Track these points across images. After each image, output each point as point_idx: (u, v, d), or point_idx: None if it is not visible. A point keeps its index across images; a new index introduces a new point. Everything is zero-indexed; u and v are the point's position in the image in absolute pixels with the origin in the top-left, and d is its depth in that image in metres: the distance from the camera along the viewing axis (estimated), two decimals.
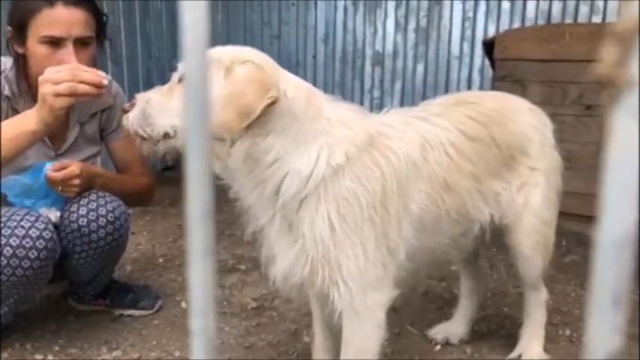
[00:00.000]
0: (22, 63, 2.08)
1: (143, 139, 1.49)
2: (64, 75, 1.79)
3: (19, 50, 2.04)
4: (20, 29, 1.98)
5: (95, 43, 2.09)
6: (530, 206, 1.87)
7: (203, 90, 0.38)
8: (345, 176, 1.48)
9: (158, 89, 1.50)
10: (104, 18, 2.13)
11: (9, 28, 2.03)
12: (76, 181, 2.05)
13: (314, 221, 1.48)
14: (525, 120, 1.87)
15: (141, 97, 1.49)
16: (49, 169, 2.04)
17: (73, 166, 2.05)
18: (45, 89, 1.78)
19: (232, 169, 1.47)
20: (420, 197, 1.61)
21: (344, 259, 1.49)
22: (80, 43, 1.99)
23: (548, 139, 1.93)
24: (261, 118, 1.40)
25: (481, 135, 1.75)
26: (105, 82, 1.84)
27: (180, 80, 1.44)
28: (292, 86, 1.46)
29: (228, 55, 1.44)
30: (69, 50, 1.96)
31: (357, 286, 1.52)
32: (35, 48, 1.97)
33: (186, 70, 0.41)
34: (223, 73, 1.39)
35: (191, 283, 0.39)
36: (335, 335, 1.80)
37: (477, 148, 1.73)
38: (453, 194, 1.68)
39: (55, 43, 1.95)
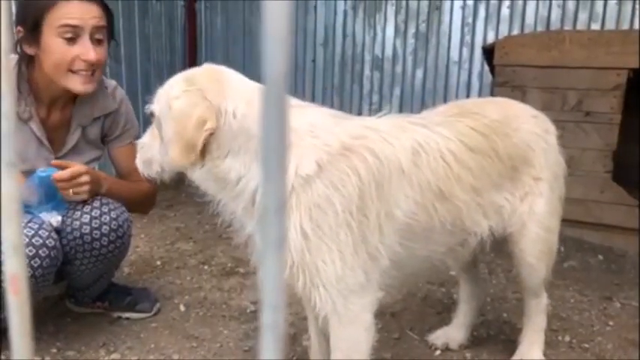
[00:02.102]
0: (27, 64, 2.07)
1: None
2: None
3: (29, 51, 2.03)
4: (34, 26, 1.98)
5: (107, 43, 2.11)
6: (535, 215, 1.86)
7: (281, 105, 0.38)
8: (318, 183, 1.47)
9: (149, 132, 1.65)
10: (111, 17, 2.15)
11: (18, 28, 2.02)
12: (85, 178, 2.02)
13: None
14: (528, 129, 1.85)
15: (139, 144, 1.67)
16: (53, 165, 2.02)
17: (77, 165, 2.04)
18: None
19: (206, 188, 1.57)
20: (407, 204, 1.58)
21: (321, 264, 1.50)
22: (95, 38, 2.02)
23: (552, 146, 1.92)
24: (213, 144, 1.45)
25: (483, 147, 1.73)
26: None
27: (151, 115, 1.57)
28: (243, 103, 1.47)
29: (174, 85, 1.50)
30: (86, 44, 1.99)
31: (337, 291, 1.53)
32: (52, 42, 1.98)
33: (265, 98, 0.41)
34: (168, 107, 1.47)
35: (264, 276, 0.38)
36: (327, 340, 1.81)
37: (478, 160, 1.71)
38: (449, 204, 1.65)
39: (72, 37, 1.97)
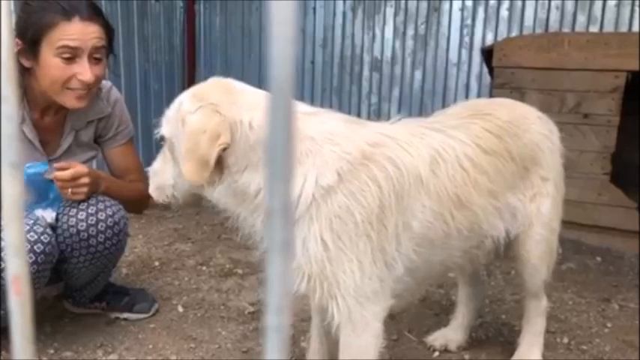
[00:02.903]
0: (22, 71, 2.04)
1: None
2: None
3: (26, 64, 2.02)
4: (33, 42, 1.96)
5: (106, 59, 2.10)
6: (541, 216, 1.86)
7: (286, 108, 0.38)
8: (338, 194, 1.45)
9: (160, 156, 1.63)
10: (113, 33, 2.13)
11: (17, 40, 1.99)
12: (85, 180, 2.03)
13: (306, 240, 1.47)
14: (537, 129, 1.86)
15: (151, 171, 1.64)
16: (56, 167, 2.02)
17: (79, 166, 2.05)
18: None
19: (225, 204, 1.54)
20: (424, 214, 1.56)
21: (340, 274, 1.48)
22: (94, 57, 2.00)
23: (557, 146, 1.93)
24: (230, 158, 1.43)
25: (498, 148, 1.72)
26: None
27: (161, 140, 1.55)
28: (260, 112, 1.43)
29: (184, 102, 1.47)
30: (84, 65, 1.97)
31: (355, 300, 1.51)
32: (49, 60, 1.96)
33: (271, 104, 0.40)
34: (181, 125, 1.44)
35: (269, 278, 0.38)
36: (330, 342, 1.81)
37: (494, 162, 1.70)
38: (466, 211, 1.64)
39: (70, 56, 1.96)
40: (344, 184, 1.45)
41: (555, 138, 1.93)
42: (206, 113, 1.42)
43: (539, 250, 1.91)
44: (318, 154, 1.46)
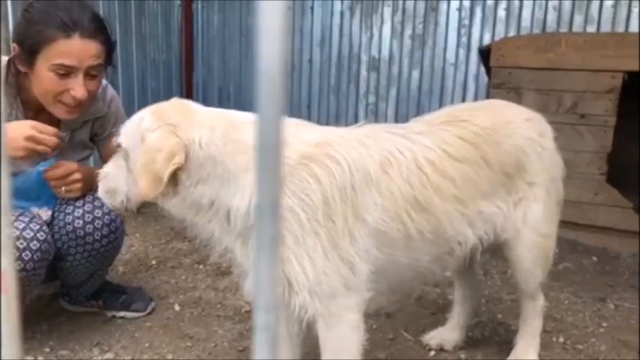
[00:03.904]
0: (17, 73, 2.03)
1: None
2: (23, 140, 1.84)
3: (21, 69, 1.99)
4: (30, 52, 1.93)
5: (104, 71, 2.08)
6: (529, 222, 1.84)
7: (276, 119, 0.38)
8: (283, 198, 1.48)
9: (113, 162, 1.66)
10: (114, 46, 2.09)
11: (14, 46, 1.98)
12: (77, 176, 2.03)
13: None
14: (522, 134, 1.82)
15: (101, 174, 1.68)
16: (47, 169, 2.02)
17: (69, 163, 2.04)
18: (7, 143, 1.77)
19: (181, 215, 1.59)
20: (377, 211, 1.57)
21: (292, 272, 1.52)
22: (89, 74, 1.97)
23: (548, 149, 1.89)
24: (183, 175, 1.49)
25: (470, 155, 1.70)
26: (57, 142, 1.92)
27: (118, 146, 1.59)
28: (207, 131, 1.50)
29: (145, 119, 1.53)
30: (78, 82, 1.94)
31: (315, 295, 1.54)
32: (44, 73, 1.93)
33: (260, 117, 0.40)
34: (140, 141, 1.50)
35: (257, 276, 0.38)
36: (300, 339, 1.86)
37: (463, 169, 1.68)
38: (427, 214, 1.64)
39: (65, 73, 1.93)
40: (286, 185, 1.49)
41: (546, 141, 1.89)
42: (164, 133, 1.48)
43: (531, 255, 1.90)
44: None
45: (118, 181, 1.63)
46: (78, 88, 1.94)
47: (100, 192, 1.68)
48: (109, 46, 2.04)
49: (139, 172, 1.49)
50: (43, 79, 1.94)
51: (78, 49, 1.92)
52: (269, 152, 0.39)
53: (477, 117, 1.79)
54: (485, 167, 1.73)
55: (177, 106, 1.57)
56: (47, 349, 2.18)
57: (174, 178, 1.49)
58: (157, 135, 1.48)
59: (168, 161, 1.45)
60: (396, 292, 1.81)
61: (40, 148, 1.86)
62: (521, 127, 1.83)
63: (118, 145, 1.60)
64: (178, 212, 1.59)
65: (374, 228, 1.58)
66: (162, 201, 1.56)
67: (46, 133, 1.88)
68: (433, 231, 1.66)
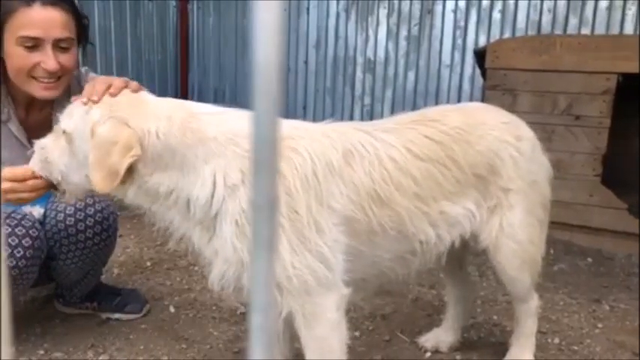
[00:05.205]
0: (4, 74, 1.98)
1: (54, 188, 1.64)
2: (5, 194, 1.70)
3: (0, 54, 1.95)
4: None
5: (76, 47, 2.01)
6: (506, 229, 1.81)
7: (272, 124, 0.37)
8: (242, 190, 1.48)
9: (51, 136, 1.62)
10: (85, 21, 2.04)
11: None
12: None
13: (221, 238, 1.52)
14: (496, 136, 1.78)
15: (38, 144, 1.63)
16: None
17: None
18: None
19: (140, 203, 1.57)
20: (343, 199, 1.56)
21: None
22: (59, 46, 1.91)
23: (525, 153, 1.82)
24: (139, 164, 1.47)
25: (436, 155, 1.68)
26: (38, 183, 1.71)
27: (64, 133, 1.55)
28: (164, 121, 1.48)
29: (93, 111, 1.50)
30: (47, 53, 1.88)
31: (287, 292, 1.52)
32: (12, 49, 1.89)
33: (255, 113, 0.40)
34: (90, 135, 1.47)
35: (253, 276, 0.38)
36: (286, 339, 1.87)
37: (426, 168, 1.67)
38: (388, 209, 1.62)
39: (32, 45, 1.88)
40: (248, 179, 1.48)
41: (524, 144, 1.83)
42: (115, 125, 1.45)
43: (515, 263, 1.87)
44: (222, 156, 1.49)
45: (55, 157, 1.58)
46: (47, 59, 1.88)
47: (34, 162, 1.62)
48: (77, 18, 1.98)
49: (91, 166, 1.45)
50: (12, 55, 1.90)
51: (40, 17, 1.86)
52: (265, 151, 0.38)
53: (449, 117, 1.77)
54: (453, 167, 1.71)
55: (128, 97, 1.55)
56: (41, 352, 2.17)
57: (130, 167, 1.46)
58: (107, 127, 1.45)
59: (124, 154, 1.43)
60: (360, 290, 1.76)
61: (25, 196, 1.72)
62: (496, 130, 1.79)
63: (63, 131, 1.55)
64: (134, 200, 1.56)
65: (343, 216, 1.56)
66: (117, 190, 1.52)
67: (21, 179, 1.69)
68: (395, 227, 1.65)
